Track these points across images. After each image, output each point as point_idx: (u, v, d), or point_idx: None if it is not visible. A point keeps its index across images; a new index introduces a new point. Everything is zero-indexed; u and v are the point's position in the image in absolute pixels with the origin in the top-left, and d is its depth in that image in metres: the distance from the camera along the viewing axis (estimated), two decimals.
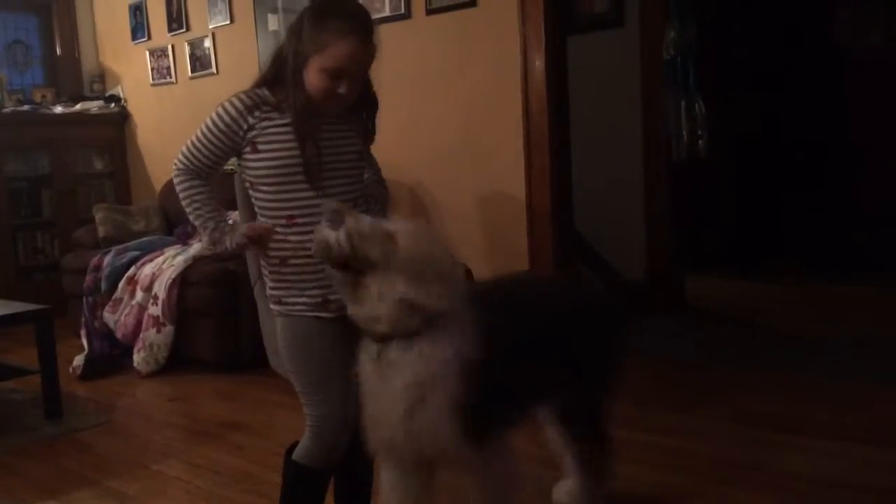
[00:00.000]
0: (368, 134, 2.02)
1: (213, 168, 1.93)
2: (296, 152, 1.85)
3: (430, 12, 4.17)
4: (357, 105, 1.96)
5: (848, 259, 5.50)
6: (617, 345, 2.22)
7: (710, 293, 5.12)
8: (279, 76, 1.88)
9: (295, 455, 1.98)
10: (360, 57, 1.83)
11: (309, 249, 1.82)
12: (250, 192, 1.95)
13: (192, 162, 1.91)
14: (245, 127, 1.86)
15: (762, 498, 2.38)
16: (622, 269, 4.77)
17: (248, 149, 1.88)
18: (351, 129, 1.96)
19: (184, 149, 1.92)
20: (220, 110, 1.88)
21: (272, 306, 1.96)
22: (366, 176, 2.04)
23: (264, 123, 1.86)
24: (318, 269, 1.85)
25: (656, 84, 4.54)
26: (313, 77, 1.82)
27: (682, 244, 4.75)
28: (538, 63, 3.79)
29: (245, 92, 1.90)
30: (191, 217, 1.94)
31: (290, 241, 1.88)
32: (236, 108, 1.86)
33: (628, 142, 4.68)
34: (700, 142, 4.60)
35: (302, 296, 1.90)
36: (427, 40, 4.18)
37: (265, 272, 1.97)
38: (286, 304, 1.92)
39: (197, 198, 1.91)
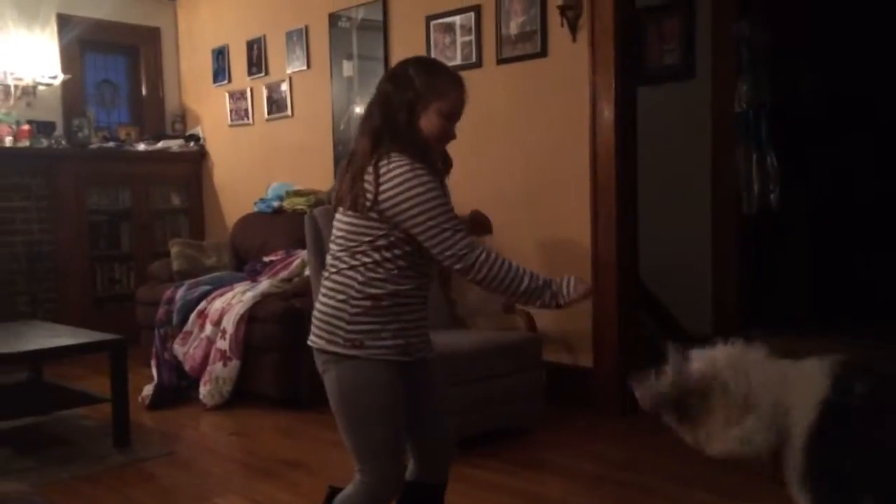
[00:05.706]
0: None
1: None
2: None
3: (500, 62, 4.23)
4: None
5: None
6: None
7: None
8: (390, 122, 1.93)
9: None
10: (464, 103, 2.02)
11: (406, 293, 1.91)
12: (381, 246, 1.91)
13: (464, 233, 1.94)
14: None
15: None
16: (688, 322, 4.69)
17: None
18: None
19: (453, 237, 1.90)
20: (422, 177, 1.89)
21: (341, 350, 1.91)
22: None
23: None
24: (412, 311, 1.93)
25: (727, 137, 4.51)
26: (431, 120, 1.96)
27: (751, 300, 4.65)
28: (607, 113, 3.81)
29: (401, 156, 1.90)
30: (525, 280, 1.93)
31: (389, 285, 1.90)
32: (425, 171, 1.92)
33: (697, 194, 4.64)
34: (771, 196, 4.53)
35: (388, 339, 1.91)
36: (497, 88, 4.24)
37: (341, 314, 1.92)
38: (367, 347, 1.90)
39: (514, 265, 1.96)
